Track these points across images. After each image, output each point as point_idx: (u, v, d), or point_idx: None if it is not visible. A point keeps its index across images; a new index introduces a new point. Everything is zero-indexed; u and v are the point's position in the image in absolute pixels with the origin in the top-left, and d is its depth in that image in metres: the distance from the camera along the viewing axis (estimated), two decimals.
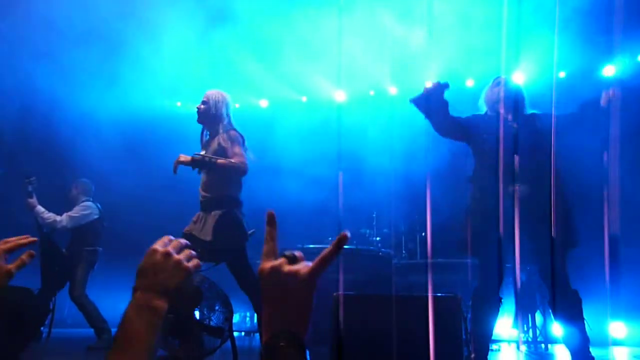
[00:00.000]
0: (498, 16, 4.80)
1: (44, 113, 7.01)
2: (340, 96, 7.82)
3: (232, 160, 3.68)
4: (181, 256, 1.15)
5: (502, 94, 3.29)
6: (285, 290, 0.95)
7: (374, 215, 6.37)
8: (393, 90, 7.66)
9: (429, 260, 5.80)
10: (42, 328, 4.91)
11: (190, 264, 1.16)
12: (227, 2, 6.23)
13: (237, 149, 3.73)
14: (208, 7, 6.25)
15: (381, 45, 6.50)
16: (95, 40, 6.50)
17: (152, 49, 6.45)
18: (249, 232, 3.80)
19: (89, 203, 5.45)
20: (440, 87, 3.12)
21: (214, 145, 3.82)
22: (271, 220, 1.03)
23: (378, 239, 6.26)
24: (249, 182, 7.20)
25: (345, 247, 4.59)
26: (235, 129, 3.88)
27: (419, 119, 6.35)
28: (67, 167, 6.75)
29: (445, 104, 3.19)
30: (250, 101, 8.38)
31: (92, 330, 5.15)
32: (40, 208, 5.23)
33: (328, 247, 0.96)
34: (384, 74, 7.37)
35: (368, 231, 6.36)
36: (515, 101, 3.32)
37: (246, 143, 3.91)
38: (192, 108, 8.70)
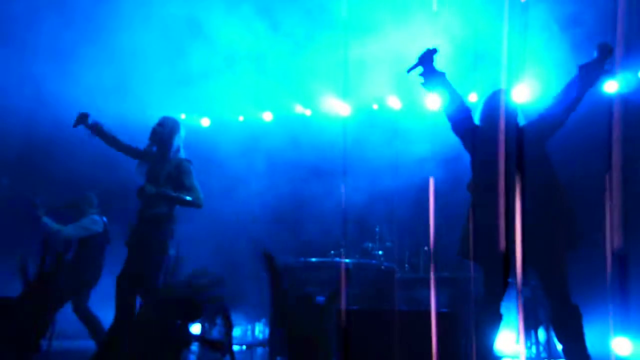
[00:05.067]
0: (501, 30, 4.83)
1: (49, 124, 7.06)
2: (344, 110, 7.85)
3: (189, 198, 3.95)
4: None
5: (501, 108, 3.30)
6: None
7: (377, 229, 6.36)
8: (396, 105, 7.69)
9: (432, 275, 5.79)
10: (42, 340, 4.90)
11: None
12: (228, 14, 6.29)
13: (191, 182, 3.98)
14: (208, 20, 6.31)
15: (384, 59, 6.53)
16: (98, 51, 6.57)
17: (153, 60, 6.50)
18: None
19: (96, 217, 5.48)
20: (429, 52, 3.46)
21: (164, 169, 4.08)
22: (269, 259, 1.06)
23: (381, 252, 6.25)
24: (251, 194, 7.25)
25: (349, 260, 4.63)
26: (187, 159, 4.13)
27: (424, 133, 6.38)
28: (68, 178, 6.78)
29: (439, 73, 3.47)
30: (253, 114, 8.42)
31: (93, 342, 5.14)
32: (46, 219, 5.25)
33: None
34: (387, 88, 7.41)
35: (371, 245, 6.35)
36: (512, 118, 3.33)
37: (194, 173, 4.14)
38: (195, 120, 8.82)
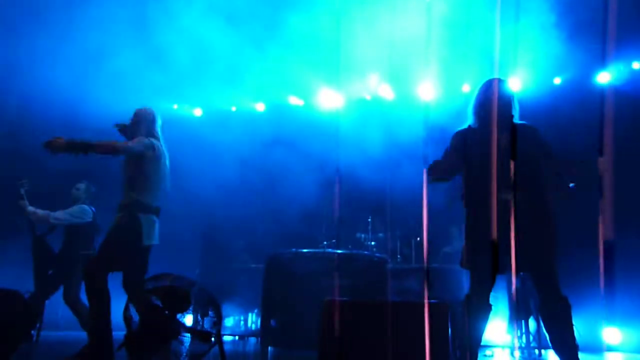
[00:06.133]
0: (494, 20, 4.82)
1: (40, 114, 7.00)
2: (337, 101, 7.82)
3: (116, 143, 3.76)
4: None
5: (494, 100, 3.26)
6: None
7: (369, 220, 6.36)
8: (390, 95, 7.67)
9: (425, 265, 5.80)
10: (32, 331, 4.89)
11: None
12: (224, 5, 6.24)
13: (134, 140, 3.82)
14: (204, 10, 6.26)
15: (378, 50, 6.51)
16: (93, 41, 6.51)
17: (149, 51, 6.46)
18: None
19: (85, 206, 5.47)
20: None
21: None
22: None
23: (373, 243, 6.25)
24: (244, 185, 7.24)
25: (340, 251, 4.58)
26: (156, 142, 3.93)
27: (415, 124, 6.38)
28: (66, 169, 6.74)
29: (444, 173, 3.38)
30: (247, 105, 8.38)
31: (85, 333, 5.13)
32: (31, 208, 5.24)
33: None
34: (381, 78, 7.39)
35: (363, 236, 6.36)
36: (507, 108, 3.30)
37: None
38: (188, 110, 8.77)
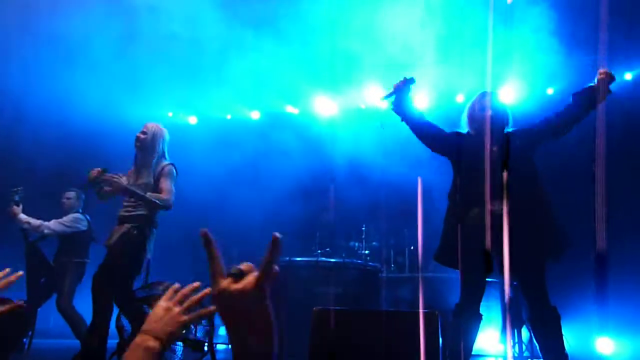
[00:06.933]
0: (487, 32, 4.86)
1: (34, 122, 6.99)
2: (332, 109, 7.85)
3: (160, 196, 3.89)
4: (182, 307, 1.27)
5: (487, 112, 3.28)
6: (238, 309, 0.94)
7: (363, 228, 6.36)
8: (384, 105, 7.69)
9: (419, 274, 5.80)
10: (24, 339, 4.86)
11: (187, 317, 1.26)
12: (216, 12, 6.26)
13: (167, 184, 3.93)
14: (197, 18, 6.29)
15: (373, 59, 6.54)
16: (88, 51, 6.52)
17: (143, 60, 6.46)
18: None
19: (79, 215, 5.46)
20: (406, 82, 3.41)
21: (143, 176, 4.00)
22: (207, 240, 1.02)
23: (367, 252, 6.25)
24: (239, 193, 7.23)
25: (334, 260, 4.58)
26: (171, 163, 4.09)
27: (410, 134, 6.39)
28: (60, 176, 6.72)
29: (410, 101, 3.46)
30: (241, 113, 8.40)
31: (77, 341, 5.10)
32: (23, 216, 5.20)
33: (266, 254, 0.93)
34: (375, 87, 7.42)
35: (357, 244, 6.35)
36: (500, 120, 3.33)
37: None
38: (183, 118, 8.76)
